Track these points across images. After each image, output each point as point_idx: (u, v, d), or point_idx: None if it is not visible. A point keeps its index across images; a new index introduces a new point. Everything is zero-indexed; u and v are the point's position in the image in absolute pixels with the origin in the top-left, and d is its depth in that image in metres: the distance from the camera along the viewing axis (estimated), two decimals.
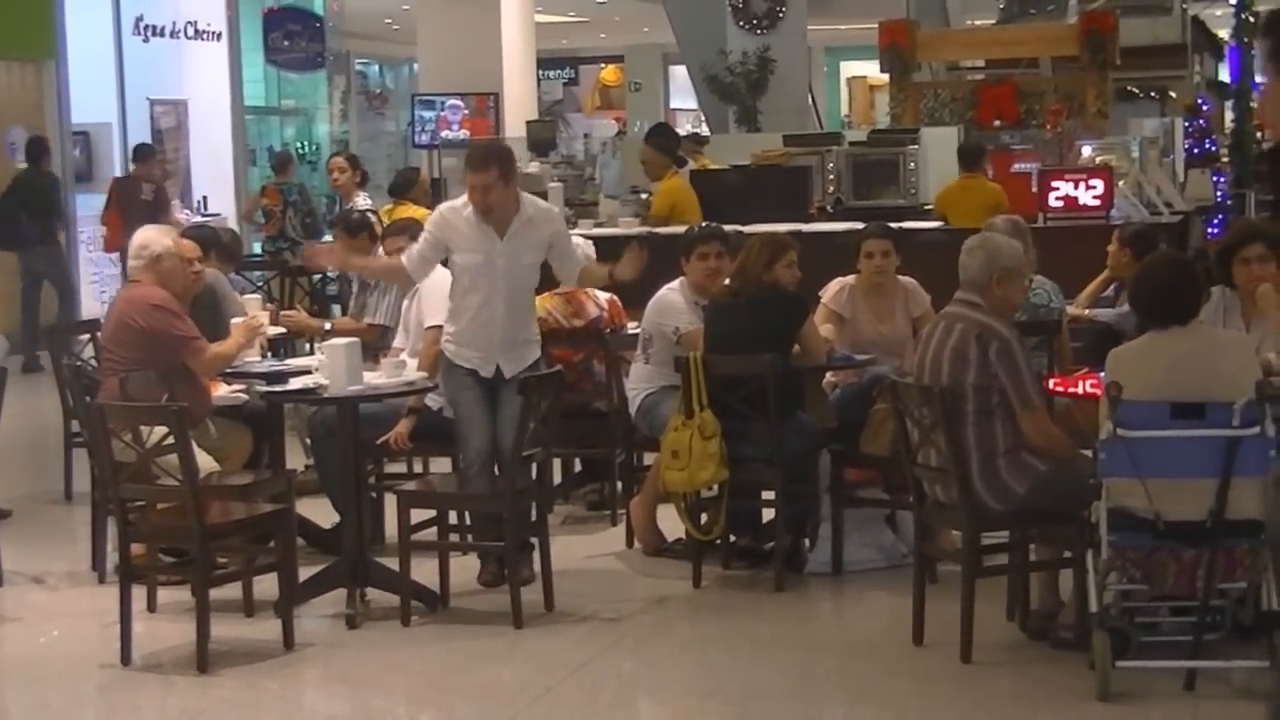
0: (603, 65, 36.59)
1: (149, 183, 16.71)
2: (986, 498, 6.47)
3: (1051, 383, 7.32)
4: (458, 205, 7.69)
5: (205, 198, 20.30)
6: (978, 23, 23.55)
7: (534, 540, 7.48)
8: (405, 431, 8.17)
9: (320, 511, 8.24)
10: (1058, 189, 10.68)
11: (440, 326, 8.23)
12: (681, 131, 19.67)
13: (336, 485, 7.79)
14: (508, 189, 7.52)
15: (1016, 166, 14.16)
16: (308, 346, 11.07)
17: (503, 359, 7.60)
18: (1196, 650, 6.02)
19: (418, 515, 7.43)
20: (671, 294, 8.44)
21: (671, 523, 8.09)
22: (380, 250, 9.28)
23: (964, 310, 6.63)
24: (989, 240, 6.84)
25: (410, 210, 12.23)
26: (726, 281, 8.10)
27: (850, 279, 8.49)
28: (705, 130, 20.17)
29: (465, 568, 7.59)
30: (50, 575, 8.26)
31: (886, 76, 19.70)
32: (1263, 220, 14.19)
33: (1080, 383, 7.08)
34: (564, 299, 9.11)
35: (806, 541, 7.99)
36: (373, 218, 11.25)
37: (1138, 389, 5.98)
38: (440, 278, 8.53)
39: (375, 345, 8.82)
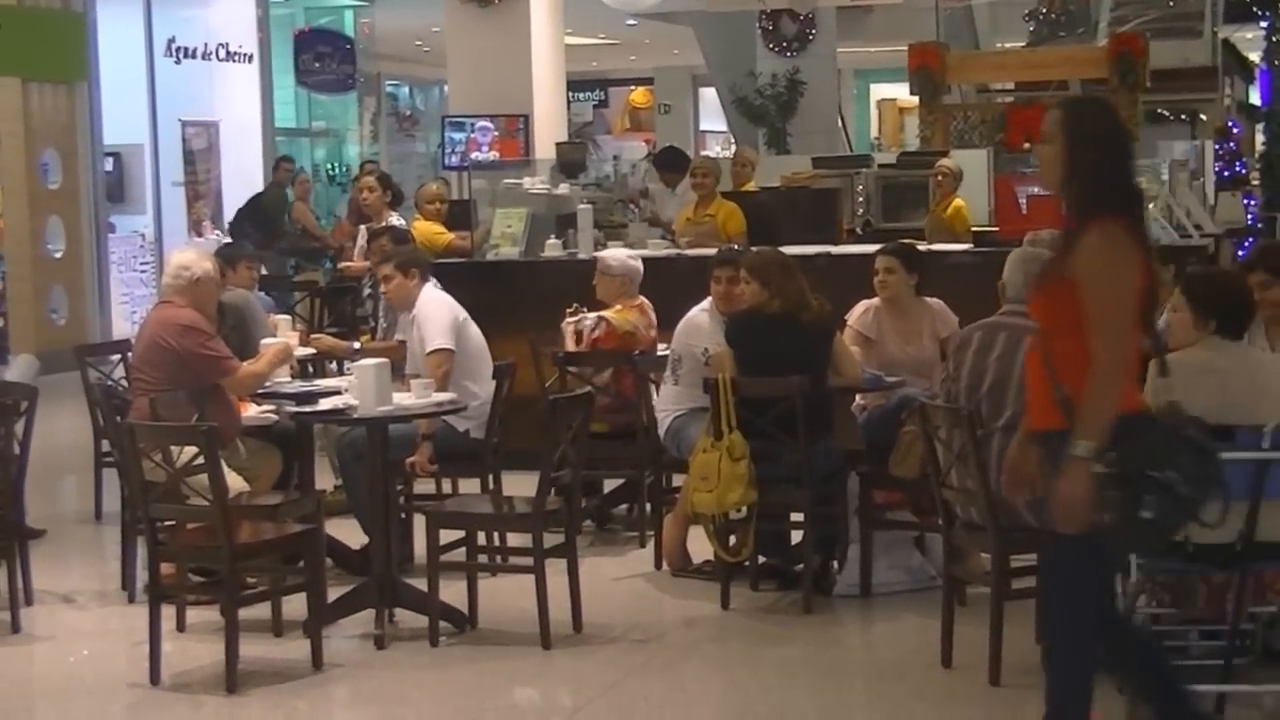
0: (632, 87, 36.63)
1: None
2: (1028, 514, 6.41)
3: None
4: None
5: None
6: (1007, 45, 23.48)
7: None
8: (424, 459, 8.19)
9: (349, 532, 8.25)
10: None
11: (442, 350, 8.25)
12: (719, 152, 19.65)
13: (365, 506, 7.80)
14: None
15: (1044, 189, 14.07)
16: (334, 366, 11.08)
17: None
18: (1226, 674, 5.99)
19: (446, 535, 7.45)
20: (701, 315, 8.45)
21: (700, 544, 8.09)
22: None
23: (1027, 322, 6.55)
24: (1040, 253, 6.73)
25: (425, 225, 12.26)
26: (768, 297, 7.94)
27: (876, 301, 8.46)
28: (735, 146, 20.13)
29: (493, 588, 7.60)
30: (80, 595, 8.29)
31: (916, 99, 19.66)
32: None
33: None
34: (639, 310, 9.18)
35: (835, 563, 7.98)
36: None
37: (1196, 400, 5.91)
38: (437, 302, 8.54)
39: (404, 363, 8.81)
